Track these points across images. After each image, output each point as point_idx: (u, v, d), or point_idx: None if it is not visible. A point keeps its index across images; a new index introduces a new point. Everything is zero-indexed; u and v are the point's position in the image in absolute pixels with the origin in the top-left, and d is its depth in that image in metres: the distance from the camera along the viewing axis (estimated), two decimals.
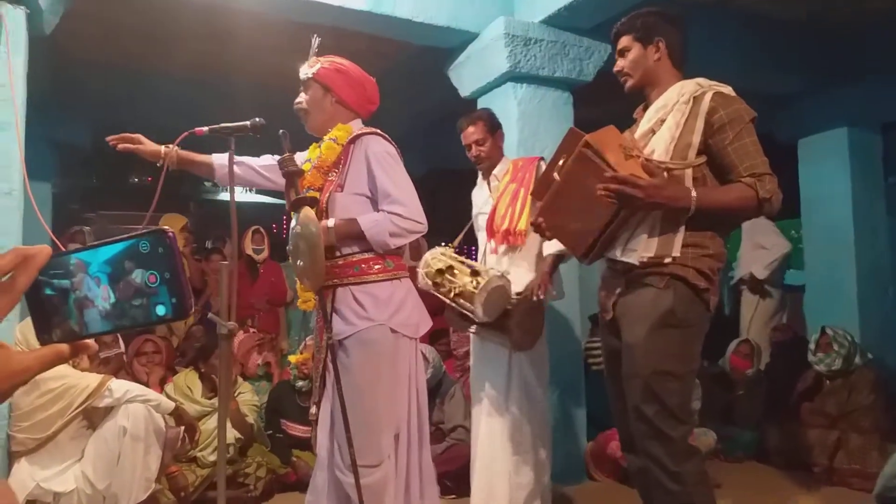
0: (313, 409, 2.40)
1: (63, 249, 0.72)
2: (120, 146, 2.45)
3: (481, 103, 4.20)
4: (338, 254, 2.31)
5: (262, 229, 5.92)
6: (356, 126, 2.44)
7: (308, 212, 2.20)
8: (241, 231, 5.73)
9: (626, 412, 2.21)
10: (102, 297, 0.68)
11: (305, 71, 2.43)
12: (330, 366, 2.28)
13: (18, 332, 2.92)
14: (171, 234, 0.68)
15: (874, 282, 5.35)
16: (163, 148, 2.45)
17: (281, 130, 2.31)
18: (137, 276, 0.67)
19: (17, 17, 3.06)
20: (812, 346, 4.29)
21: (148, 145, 2.45)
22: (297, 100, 2.46)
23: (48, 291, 0.69)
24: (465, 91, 4.36)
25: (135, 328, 0.72)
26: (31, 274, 0.65)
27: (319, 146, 2.43)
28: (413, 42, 4.26)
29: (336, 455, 2.28)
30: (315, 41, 2.46)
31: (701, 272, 2.11)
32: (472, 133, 3.28)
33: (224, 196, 10.06)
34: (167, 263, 0.67)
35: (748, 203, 2.07)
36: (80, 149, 6.31)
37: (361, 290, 2.28)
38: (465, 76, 4.31)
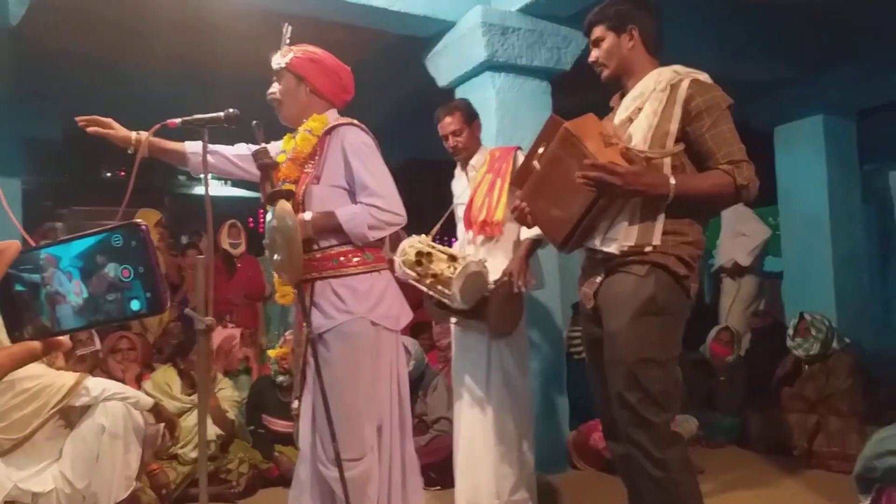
0: (295, 404, 2.38)
1: (32, 244, 0.70)
2: (90, 129, 2.37)
3: (459, 93, 4.17)
4: (315, 247, 2.28)
5: (238, 223, 5.86)
6: (331, 116, 2.40)
7: (284, 205, 2.17)
8: (217, 225, 5.66)
9: (609, 400, 2.21)
10: (75, 291, 0.66)
11: (278, 60, 2.39)
12: (310, 360, 2.26)
13: None
14: (144, 227, 0.66)
15: (850, 268, 5.43)
16: (133, 134, 2.38)
17: (254, 122, 2.27)
18: (111, 270, 0.66)
19: None
20: (790, 331, 4.34)
21: (119, 131, 2.38)
22: (270, 90, 2.42)
23: (18, 287, 0.67)
24: (442, 80, 4.34)
25: (109, 323, 0.70)
26: None
27: (294, 137, 2.39)
28: (390, 31, 4.22)
29: (318, 449, 2.26)
30: (286, 30, 2.41)
31: (681, 259, 2.12)
32: (448, 123, 3.26)
33: (199, 190, 9.94)
34: (141, 257, 0.66)
35: (726, 190, 2.08)
36: (51, 143, 6.19)
37: (340, 283, 2.25)
38: (443, 65, 4.28)
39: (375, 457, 2.28)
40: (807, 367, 4.29)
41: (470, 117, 3.28)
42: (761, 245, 5.79)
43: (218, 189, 9.09)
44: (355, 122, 2.37)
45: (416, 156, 7.10)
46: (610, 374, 2.17)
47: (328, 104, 2.42)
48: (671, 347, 2.17)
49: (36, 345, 0.67)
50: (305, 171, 2.32)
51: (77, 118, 2.38)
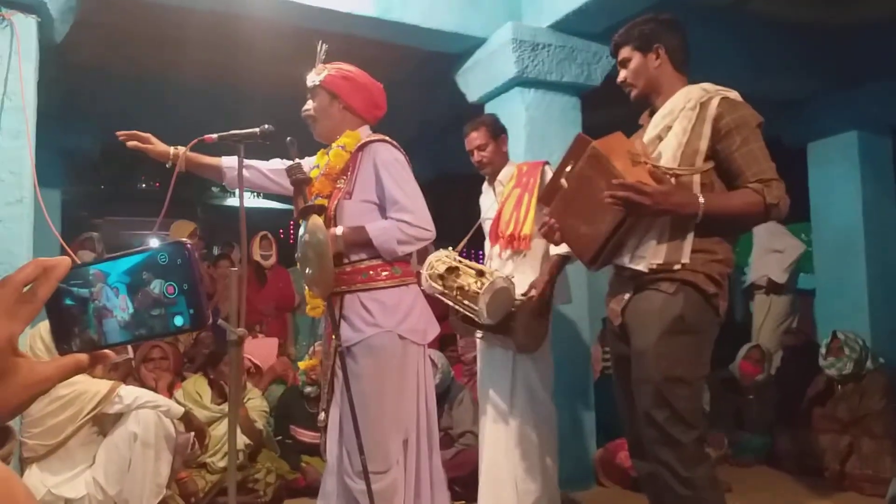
0: (322, 416, 2.40)
1: (72, 255, 0.73)
2: (130, 143, 2.45)
3: (489, 108, 4.20)
4: (346, 261, 2.32)
5: (269, 235, 5.94)
6: (364, 133, 2.44)
7: (316, 220, 2.21)
8: (249, 237, 5.74)
9: (636, 418, 2.20)
10: (121, 307, 0.69)
11: (312, 78, 2.44)
12: (338, 372, 2.29)
13: (30, 337, 2.93)
14: (189, 245, 0.69)
15: (885, 286, 5.32)
16: (171, 149, 2.45)
17: (289, 138, 2.32)
18: (156, 286, 0.68)
19: (28, 26, 3.08)
20: (823, 350, 4.27)
21: (158, 146, 2.46)
22: (305, 107, 2.47)
23: (68, 301, 0.70)
24: (472, 96, 4.37)
25: (153, 338, 0.73)
26: (51, 285, 0.66)
27: (327, 153, 2.44)
28: (421, 48, 4.27)
29: (345, 461, 2.28)
30: (321, 47, 2.46)
31: (710, 278, 2.11)
32: (474, 138, 3.30)
33: (231, 201, 10.10)
34: (185, 275, 0.69)
35: (755, 209, 2.07)
36: (88, 155, 6.34)
37: (369, 297, 2.28)
38: (473, 81, 4.31)
39: (401, 470, 2.29)
40: (839, 386, 4.21)
41: (496, 132, 3.31)
42: (795, 261, 5.70)
43: (250, 201, 9.22)
44: (387, 138, 2.41)
45: (446, 171, 7.14)
46: (637, 391, 2.16)
47: (361, 120, 2.46)
48: (699, 366, 2.16)
49: (83, 357, 0.69)
50: (338, 186, 2.37)
51: (118, 133, 2.46)
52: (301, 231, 2.25)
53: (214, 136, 2.48)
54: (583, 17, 3.82)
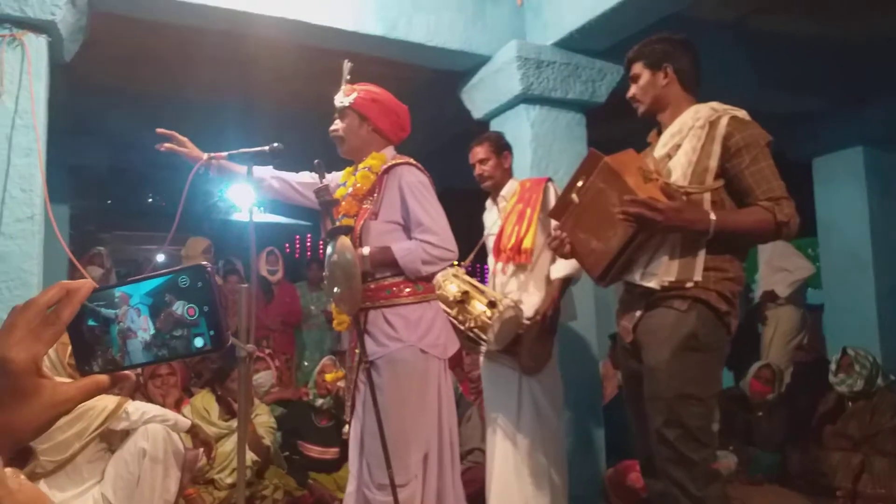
0: (346, 428, 2.45)
1: (83, 270, 0.75)
2: (166, 146, 2.50)
3: (494, 125, 4.22)
4: (369, 278, 2.37)
5: (276, 250, 5.96)
6: (389, 154, 2.51)
7: (345, 241, 2.28)
8: (256, 252, 5.76)
9: (647, 436, 2.19)
10: (143, 328, 0.70)
11: (342, 99, 2.49)
12: (361, 386, 2.35)
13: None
14: (209, 269, 0.71)
15: (893, 302, 5.29)
16: (205, 155, 2.51)
17: (316, 161, 2.39)
18: (178, 308, 0.70)
19: (39, 46, 3.11)
20: (833, 366, 4.24)
21: (192, 150, 2.53)
22: (333, 127, 2.52)
23: (91, 322, 0.71)
24: (478, 113, 4.39)
25: (174, 359, 0.74)
26: (74, 307, 0.68)
27: (354, 173, 2.49)
28: (426, 66, 4.30)
29: (364, 474, 2.33)
30: (346, 66, 2.51)
31: (722, 296, 2.11)
32: (478, 152, 3.35)
33: (238, 217, 10.11)
34: (206, 297, 0.70)
35: (766, 226, 2.09)
36: (97, 171, 6.39)
37: (393, 312, 2.35)
38: (478, 99, 4.34)
39: (419, 484, 2.32)
40: (850, 403, 4.18)
41: (499, 148, 3.34)
42: (803, 280, 5.68)
43: (257, 216, 9.26)
44: (412, 161, 2.48)
45: (452, 186, 7.16)
46: (649, 408, 2.16)
47: (387, 142, 2.53)
48: (712, 384, 2.16)
49: (104, 378, 0.70)
50: (364, 206, 2.44)
51: (158, 129, 2.51)
52: (329, 251, 2.32)
53: (224, 154, 2.51)
54: (587, 34, 3.84)
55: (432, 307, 2.43)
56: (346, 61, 2.51)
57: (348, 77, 2.51)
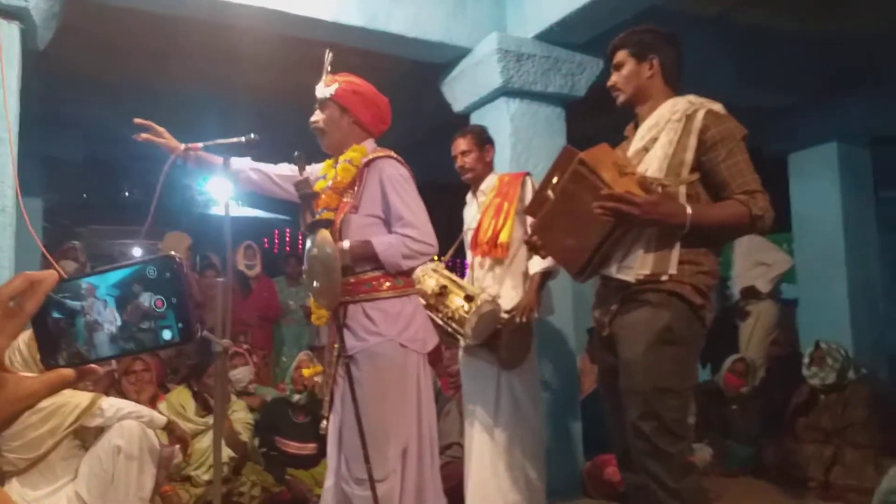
0: (324, 424, 2.44)
1: (55, 265, 0.73)
2: (143, 136, 2.48)
3: (474, 118, 4.21)
4: (349, 272, 2.36)
5: (254, 245, 5.90)
6: (370, 147, 2.48)
7: (325, 234, 2.26)
8: (233, 247, 5.70)
9: (624, 429, 2.21)
10: (109, 320, 0.68)
11: (322, 90, 2.45)
12: (339, 380, 2.34)
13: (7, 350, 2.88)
14: (178, 259, 0.69)
15: (866, 297, 5.38)
16: (182, 145, 2.48)
17: (297, 153, 2.36)
18: (145, 299, 0.68)
19: (11, 33, 3.05)
20: (806, 360, 4.30)
21: (170, 140, 2.50)
22: (313, 118, 2.48)
23: (55, 315, 0.69)
24: (458, 106, 4.38)
25: (141, 352, 0.72)
26: (38, 299, 0.66)
27: (335, 166, 2.47)
28: (407, 57, 4.28)
29: (343, 468, 2.32)
30: (328, 56, 2.48)
31: (697, 289, 2.12)
32: (460, 144, 3.35)
33: (216, 211, 10.01)
34: (174, 288, 0.68)
35: (741, 220, 2.10)
36: (72, 163, 6.28)
37: (372, 307, 2.34)
38: (459, 91, 4.32)
39: (398, 479, 2.32)
40: (822, 396, 4.25)
41: (482, 142, 3.34)
42: (782, 274, 5.75)
43: (234, 210, 9.16)
44: (392, 154, 2.46)
45: (431, 180, 7.14)
46: (626, 402, 2.17)
47: (367, 134, 2.50)
48: (687, 377, 2.17)
49: (69, 372, 0.68)
50: (344, 200, 2.42)
51: (135, 120, 2.47)
52: (309, 245, 2.30)
53: (200, 144, 2.48)
54: (567, 27, 3.85)
55: (412, 301, 2.43)
56: (328, 51, 2.48)
57: (329, 67, 2.48)
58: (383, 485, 2.26)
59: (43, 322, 0.69)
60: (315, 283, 2.28)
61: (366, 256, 2.32)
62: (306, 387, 3.97)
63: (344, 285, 2.33)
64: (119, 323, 0.68)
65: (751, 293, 5.74)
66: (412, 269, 2.48)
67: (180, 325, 0.68)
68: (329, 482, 2.40)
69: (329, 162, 2.56)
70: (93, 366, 0.70)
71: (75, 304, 0.69)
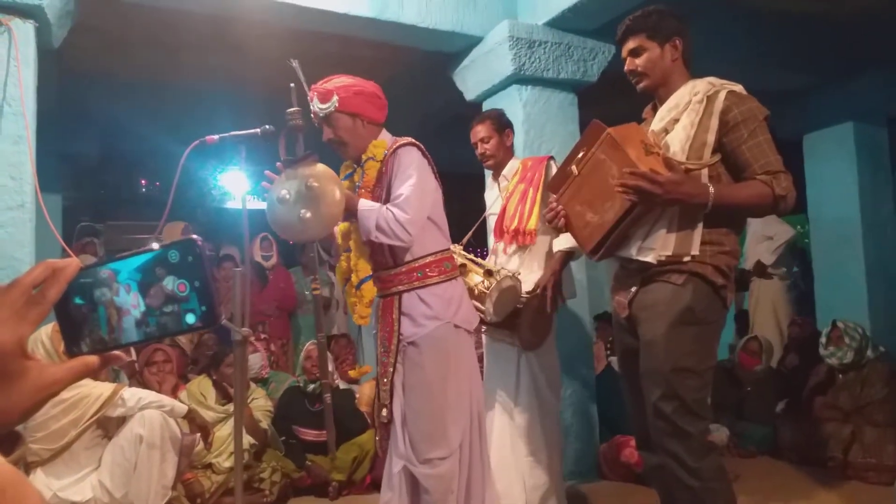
0: (384, 412, 2.48)
1: (73, 256, 0.73)
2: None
3: (486, 106, 4.21)
4: (400, 261, 2.42)
5: (270, 236, 5.95)
6: (388, 138, 2.50)
7: (328, 168, 2.26)
8: (250, 238, 5.75)
9: (643, 410, 2.21)
10: (132, 304, 0.68)
11: (322, 106, 2.39)
12: (399, 368, 2.40)
13: (31, 342, 2.94)
14: (200, 242, 0.68)
15: (883, 276, 5.34)
16: None
17: (292, 84, 2.34)
18: (168, 283, 0.68)
19: (26, 31, 3.08)
20: (823, 339, 4.29)
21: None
22: (327, 136, 2.44)
23: (77, 301, 0.68)
24: (470, 94, 4.38)
25: (165, 336, 0.72)
26: (60, 286, 0.65)
27: (361, 165, 2.48)
28: (418, 47, 4.27)
29: (408, 450, 2.39)
30: (297, 66, 2.48)
31: (719, 269, 2.12)
32: (479, 131, 3.31)
33: (231, 204, 10.08)
34: (197, 272, 0.68)
35: (764, 200, 2.09)
36: (89, 159, 6.35)
37: (427, 293, 2.41)
38: (471, 80, 4.32)
39: (458, 455, 2.40)
40: (840, 375, 4.23)
41: (501, 126, 3.31)
42: (784, 244, 5.74)
43: (250, 203, 9.21)
44: (411, 140, 2.46)
45: (444, 169, 7.15)
46: (646, 382, 2.17)
47: (379, 127, 2.51)
48: (708, 357, 2.17)
49: (93, 359, 0.68)
50: (374, 195, 2.43)
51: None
52: (304, 171, 2.23)
53: (216, 137, 2.50)
54: (578, 14, 3.83)
55: (459, 283, 2.51)
56: (292, 60, 2.46)
57: (304, 79, 2.47)
58: (448, 461, 2.35)
59: (65, 310, 0.68)
60: (307, 214, 2.20)
61: (351, 209, 2.30)
62: (317, 377, 3.99)
63: (396, 275, 2.42)
64: (143, 307, 0.68)
65: (759, 268, 5.75)
66: (450, 255, 2.51)
67: (203, 308, 0.67)
68: (396, 468, 2.43)
69: (348, 163, 2.59)
70: (117, 352, 0.70)
71: (95, 291, 0.68)
